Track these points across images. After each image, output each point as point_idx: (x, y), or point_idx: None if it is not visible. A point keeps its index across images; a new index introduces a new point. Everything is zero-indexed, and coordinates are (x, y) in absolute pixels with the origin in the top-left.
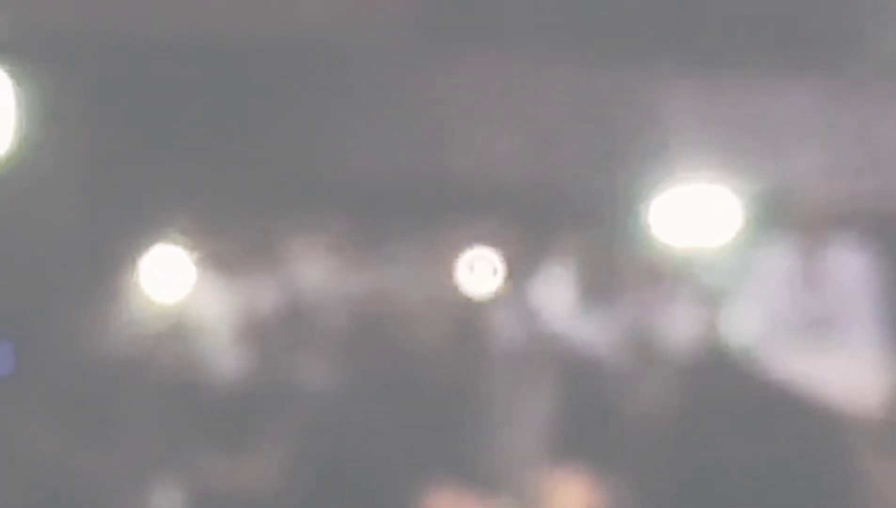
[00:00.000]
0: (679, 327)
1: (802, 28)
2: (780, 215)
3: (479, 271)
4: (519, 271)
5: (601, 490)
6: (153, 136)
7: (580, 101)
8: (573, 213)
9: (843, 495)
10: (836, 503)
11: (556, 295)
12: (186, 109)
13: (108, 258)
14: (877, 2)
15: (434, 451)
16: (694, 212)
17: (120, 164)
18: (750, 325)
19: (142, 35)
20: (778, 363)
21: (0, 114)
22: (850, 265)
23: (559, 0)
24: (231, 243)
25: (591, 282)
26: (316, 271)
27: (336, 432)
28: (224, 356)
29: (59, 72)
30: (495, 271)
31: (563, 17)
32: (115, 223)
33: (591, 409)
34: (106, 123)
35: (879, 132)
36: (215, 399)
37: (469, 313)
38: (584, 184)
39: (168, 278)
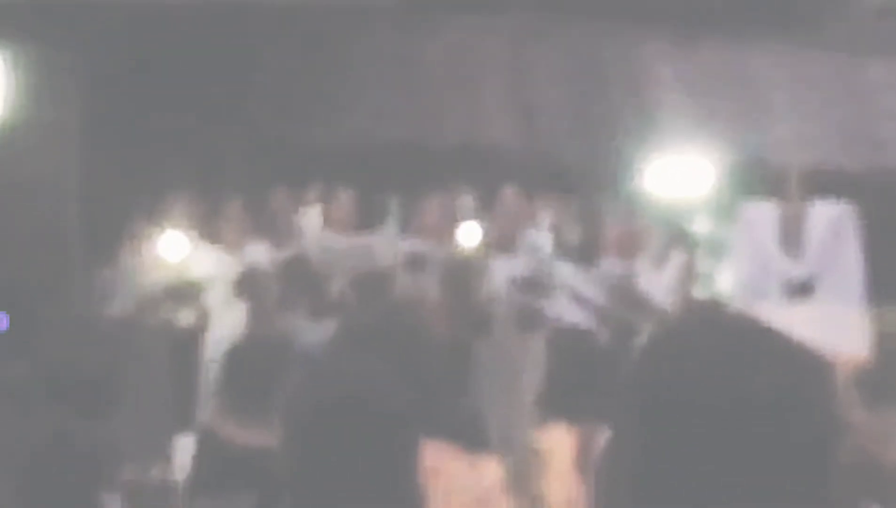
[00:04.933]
0: (662, 283)
1: None
2: (759, 178)
3: (472, 233)
4: (510, 233)
5: (588, 446)
6: (146, 107)
7: (562, 67)
8: (560, 176)
9: (828, 439)
10: (821, 447)
11: (546, 256)
12: (179, 80)
13: (107, 226)
14: None
15: (428, 405)
16: (678, 174)
17: (115, 134)
18: (733, 281)
19: (137, 4)
20: (760, 314)
21: None
22: (829, 225)
23: None
24: (227, 208)
25: (578, 242)
26: (313, 233)
27: (333, 385)
28: (224, 313)
29: (51, 45)
30: (489, 234)
31: None
32: (112, 192)
33: (579, 367)
34: (100, 93)
35: (857, 97)
36: (218, 356)
37: (461, 274)
38: (568, 148)
39: (167, 243)
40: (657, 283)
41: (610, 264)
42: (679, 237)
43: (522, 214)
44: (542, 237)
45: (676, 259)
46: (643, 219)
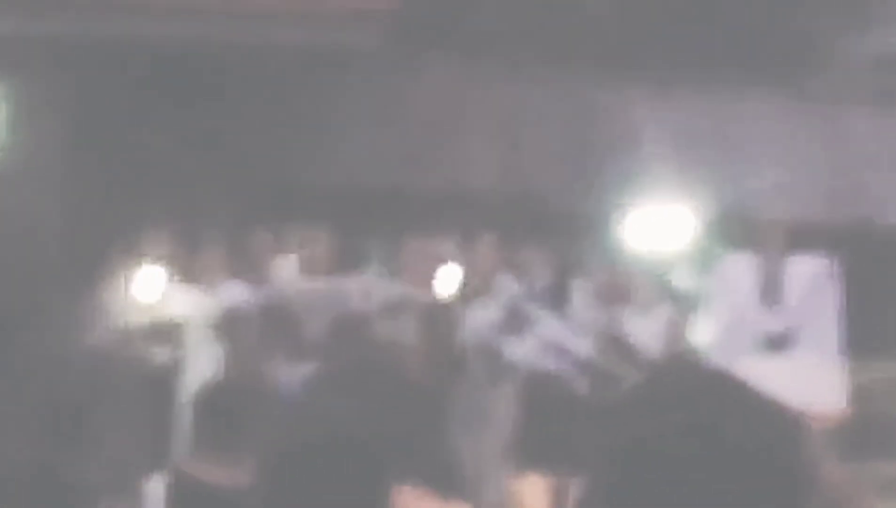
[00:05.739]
0: (644, 334)
1: (765, 47)
2: (740, 231)
3: (451, 278)
4: (487, 280)
5: (562, 497)
6: (128, 144)
7: (550, 115)
8: (542, 223)
9: (799, 493)
10: (791, 501)
11: (523, 304)
12: (162, 119)
13: (86, 262)
14: (839, 21)
15: (402, 449)
16: (658, 226)
17: (97, 169)
18: (712, 333)
19: (121, 41)
20: (738, 367)
21: None
22: (808, 278)
23: (534, 16)
24: (207, 249)
25: (556, 290)
26: (291, 277)
27: (307, 428)
28: (200, 353)
29: (35, 80)
30: (467, 280)
31: (537, 33)
32: (93, 226)
33: (553, 417)
34: (83, 128)
35: (838, 149)
36: (193, 395)
37: (439, 319)
38: (550, 195)
39: (146, 281)
40: (643, 333)
41: (594, 313)
42: (666, 289)
43: (500, 261)
44: (519, 284)
45: (663, 311)
46: (625, 269)
